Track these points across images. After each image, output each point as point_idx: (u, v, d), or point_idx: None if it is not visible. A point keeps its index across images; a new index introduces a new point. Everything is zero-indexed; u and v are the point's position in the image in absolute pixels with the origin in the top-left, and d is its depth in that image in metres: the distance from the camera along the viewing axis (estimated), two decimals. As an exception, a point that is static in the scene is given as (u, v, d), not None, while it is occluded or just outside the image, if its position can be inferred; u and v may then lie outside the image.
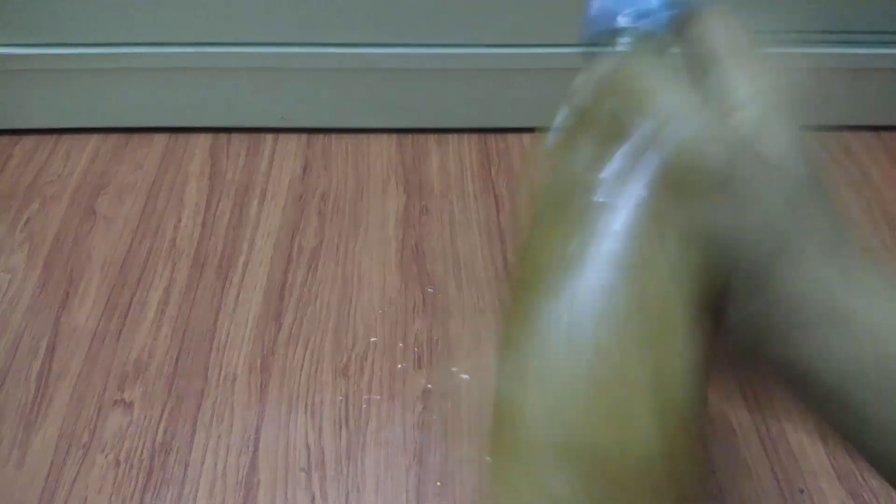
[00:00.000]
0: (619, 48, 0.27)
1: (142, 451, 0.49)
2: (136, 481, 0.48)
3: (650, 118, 0.24)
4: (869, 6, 0.71)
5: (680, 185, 0.24)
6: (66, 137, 0.74)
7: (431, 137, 0.75)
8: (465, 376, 0.54)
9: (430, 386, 0.53)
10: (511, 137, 0.75)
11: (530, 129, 0.73)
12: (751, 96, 0.24)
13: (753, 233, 0.23)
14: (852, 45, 0.72)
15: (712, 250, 0.24)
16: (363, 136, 0.75)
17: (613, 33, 0.27)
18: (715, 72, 0.25)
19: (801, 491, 0.48)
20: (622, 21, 0.26)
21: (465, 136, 0.75)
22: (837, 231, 0.23)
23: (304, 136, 0.75)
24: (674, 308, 0.25)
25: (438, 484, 0.48)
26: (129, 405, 0.52)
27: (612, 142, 0.25)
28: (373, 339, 0.56)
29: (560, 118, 0.28)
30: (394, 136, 0.75)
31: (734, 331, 0.24)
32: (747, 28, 0.26)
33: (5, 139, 0.73)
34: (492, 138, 0.75)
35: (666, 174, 0.24)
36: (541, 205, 0.27)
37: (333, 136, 0.75)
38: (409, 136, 0.75)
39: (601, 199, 0.25)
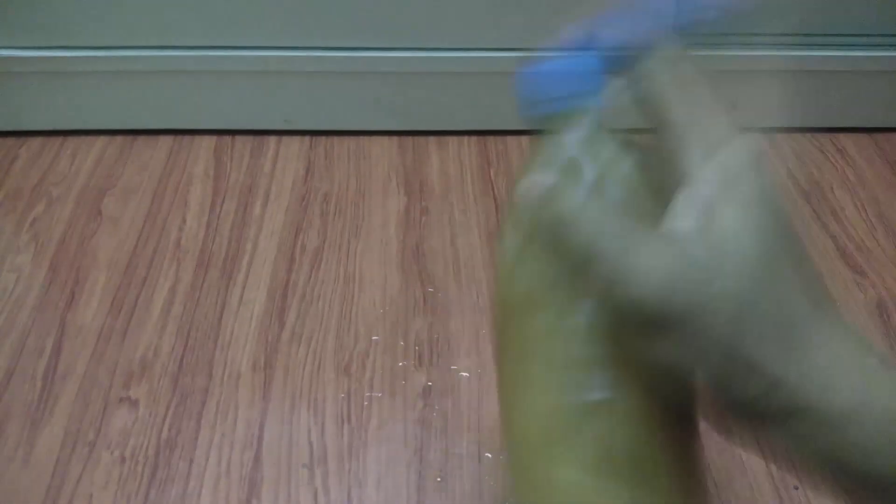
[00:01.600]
0: (563, 131, 0.25)
1: (147, 448, 0.50)
2: (141, 478, 0.48)
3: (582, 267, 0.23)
4: (862, 9, 0.71)
5: (622, 326, 0.23)
6: (72, 139, 0.74)
7: (432, 139, 0.76)
8: (464, 374, 0.55)
9: (430, 383, 0.54)
10: (510, 140, 0.75)
11: (529, 132, 0.73)
12: (701, 181, 0.22)
13: (706, 362, 0.22)
14: (846, 47, 0.73)
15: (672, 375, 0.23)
16: (365, 138, 0.76)
17: (551, 117, 0.25)
18: (664, 138, 0.23)
19: (796, 488, 0.48)
20: (555, 105, 0.25)
21: (465, 138, 0.76)
22: (806, 312, 0.22)
23: (306, 139, 0.75)
24: (643, 443, 0.25)
25: (439, 480, 0.48)
26: (134, 403, 0.52)
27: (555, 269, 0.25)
28: (374, 338, 0.57)
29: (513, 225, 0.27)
30: (395, 138, 0.76)
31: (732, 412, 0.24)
32: (698, 72, 0.24)
33: (11, 140, 0.74)
34: (491, 140, 0.76)
35: (608, 316, 0.24)
36: (500, 317, 0.27)
37: (336, 139, 0.76)
38: (410, 138, 0.76)
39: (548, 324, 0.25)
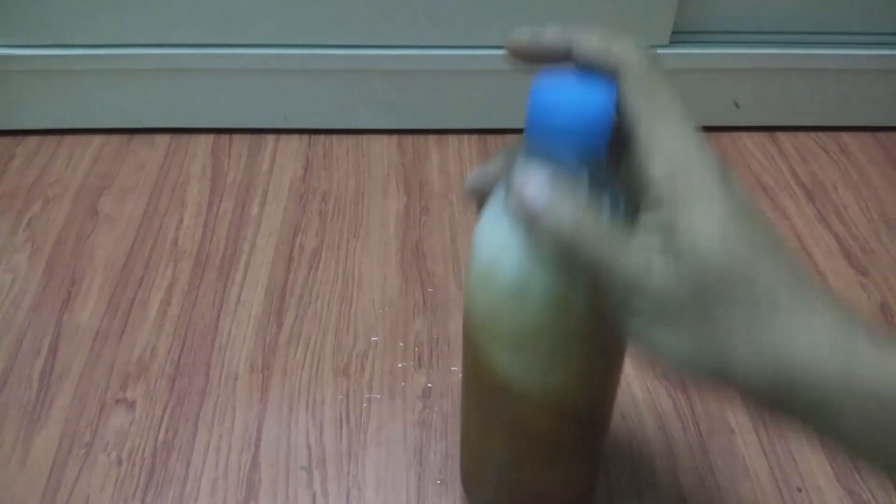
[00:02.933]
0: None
1: (144, 450, 0.49)
2: (139, 480, 0.48)
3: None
4: (865, 7, 0.71)
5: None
6: (69, 138, 0.74)
7: (431, 138, 0.75)
8: (465, 375, 0.54)
9: (430, 385, 0.53)
10: (511, 138, 0.75)
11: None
12: (664, 179, 0.23)
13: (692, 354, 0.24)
14: (849, 46, 0.72)
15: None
16: (364, 137, 0.75)
17: (560, 148, 0.26)
18: (633, 148, 0.25)
19: (799, 490, 0.48)
20: (569, 140, 0.25)
21: (465, 136, 0.76)
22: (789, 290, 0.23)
23: (305, 137, 0.75)
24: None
25: (438, 482, 0.48)
26: (131, 404, 0.52)
27: None
28: (373, 339, 0.56)
29: None
30: (394, 137, 0.75)
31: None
32: (664, 81, 0.25)
33: (7, 140, 0.74)
34: (491, 139, 0.76)
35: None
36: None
37: (334, 137, 0.75)
38: (410, 136, 0.75)
39: None
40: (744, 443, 0.50)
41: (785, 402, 0.23)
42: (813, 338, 0.22)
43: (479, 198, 0.31)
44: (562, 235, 0.24)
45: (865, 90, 0.75)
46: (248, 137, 0.75)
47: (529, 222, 0.25)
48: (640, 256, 0.24)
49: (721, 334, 0.23)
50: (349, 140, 0.75)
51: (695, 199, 0.23)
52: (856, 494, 0.48)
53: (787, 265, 0.24)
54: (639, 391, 0.53)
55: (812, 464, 0.49)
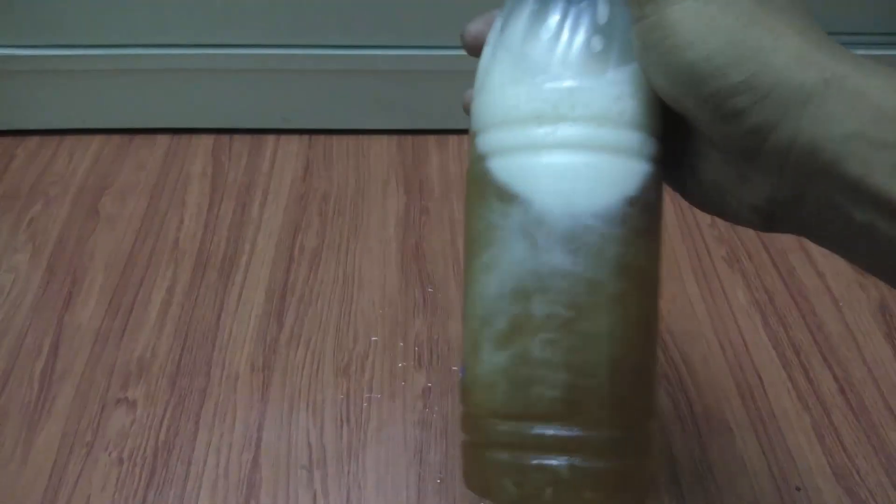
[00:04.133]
0: None
1: (145, 450, 0.49)
2: (140, 479, 0.48)
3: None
4: (865, 7, 0.71)
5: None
6: (69, 138, 0.74)
7: (431, 138, 0.75)
8: (465, 375, 0.54)
9: (430, 384, 0.54)
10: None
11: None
12: None
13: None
14: (848, 46, 0.72)
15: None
16: (364, 137, 0.75)
17: None
18: None
19: (798, 489, 0.48)
20: None
21: (465, 137, 0.76)
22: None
23: (305, 138, 0.75)
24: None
25: (438, 481, 0.48)
26: (132, 404, 0.52)
27: None
28: (374, 339, 0.57)
29: None
30: (394, 138, 0.75)
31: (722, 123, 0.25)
32: None
33: (8, 140, 0.74)
34: (492, 139, 0.76)
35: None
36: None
37: (335, 138, 0.75)
38: (410, 137, 0.75)
39: None
40: (743, 442, 0.50)
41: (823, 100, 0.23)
42: (861, 61, 0.24)
43: (478, 46, 0.32)
44: None
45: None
46: (248, 138, 0.75)
47: None
48: None
49: (772, 24, 0.23)
50: (349, 140, 0.75)
51: None
52: (855, 494, 0.48)
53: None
54: (638, 391, 0.53)
55: (811, 463, 0.49)
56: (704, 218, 0.67)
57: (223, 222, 0.66)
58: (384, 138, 0.75)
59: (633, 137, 0.27)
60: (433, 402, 0.52)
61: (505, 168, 0.28)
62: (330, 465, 0.49)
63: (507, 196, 0.28)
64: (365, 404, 0.52)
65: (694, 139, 0.28)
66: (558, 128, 0.27)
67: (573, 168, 0.27)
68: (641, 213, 0.28)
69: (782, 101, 0.23)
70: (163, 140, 0.74)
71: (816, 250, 0.65)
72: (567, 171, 0.27)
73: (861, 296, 0.61)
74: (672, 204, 0.69)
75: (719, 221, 0.67)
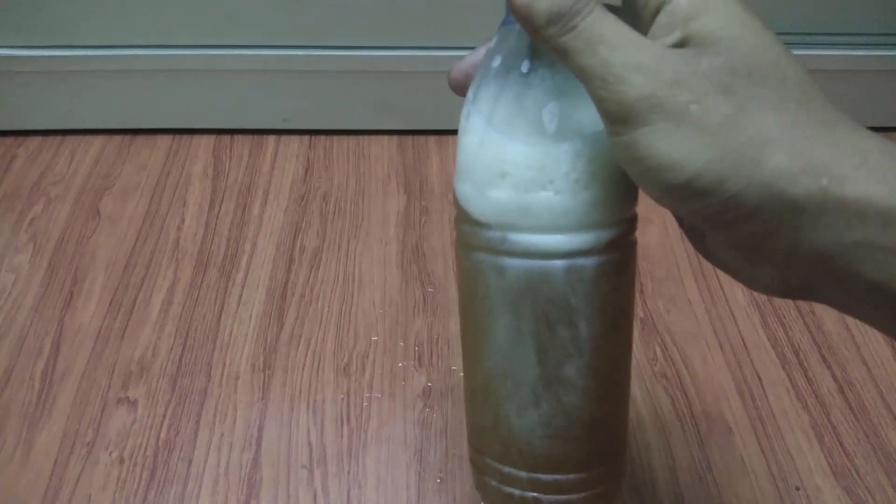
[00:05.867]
0: None
1: (145, 449, 0.50)
2: (140, 479, 0.48)
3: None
4: (865, 7, 0.71)
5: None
6: (71, 138, 0.74)
7: (432, 139, 0.75)
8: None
9: (430, 384, 0.54)
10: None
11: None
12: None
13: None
14: (849, 46, 0.73)
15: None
16: (364, 138, 0.75)
17: None
18: None
19: (797, 488, 0.48)
20: None
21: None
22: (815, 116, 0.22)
23: (305, 138, 0.75)
24: None
25: (439, 481, 0.48)
26: (133, 403, 0.52)
27: None
28: (374, 338, 0.57)
29: None
30: (395, 138, 0.75)
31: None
32: None
33: (10, 140, 0.74)
34: (492, 140, 0.76)
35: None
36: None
37: (335, 138, 0.75)
38: (410, 137, 0.76)
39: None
40: (742, 442, 0.51)
41: (828, 209, 0.20)
42: (866, 154, 0.21)
43: (463, 87, 0.31)
44: (560, 8, 0.22)
45: (865, 90, 0.75)
46: (249, 138, 0.75)
47: (525, 9, 0.23)
48: (652, 49, 0.21)
49: (752, 133, 0.21)
50: (349, 140, 0.75)
51: (710, 5, 0.22)
52: (854, 493, 0.48)
53: (806, 71, 0.22)
54: (638, 392, 0.53)
55: (810, 462, 0.49)
56: (704, 218, 0.67)
57: (224, 222, 0.66)
58: (384, 138, 0.75)
59: (592, 236, 0.27)
60: (433, 401, 0.53)
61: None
62: (330, 464, 0.49)
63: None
64: (365, 404, 0.52)
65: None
66: (508, 235, 0.27)
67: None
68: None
69: (775, 215, 0.21)
70: (164, 140, 0.74)
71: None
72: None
73: (860, 296, 0.61)
74: (672, 204, 0.69)
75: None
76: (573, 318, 0.28)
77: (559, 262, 0.27)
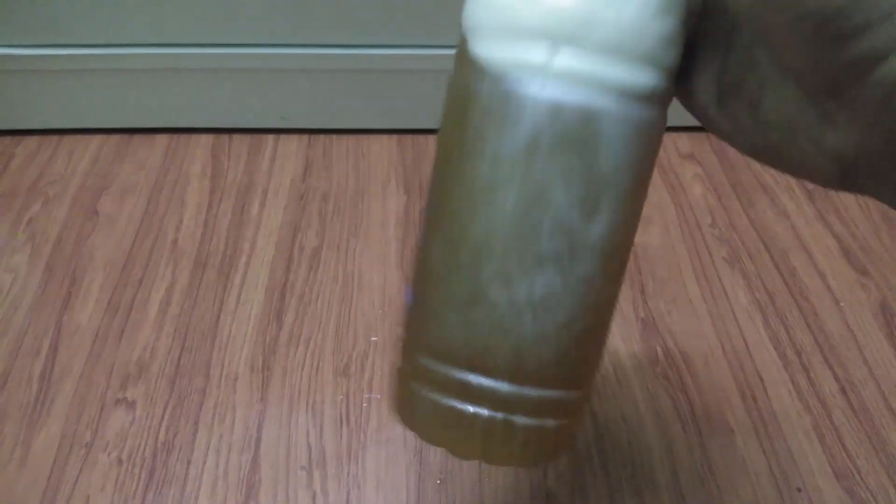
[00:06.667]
0: None
1: (144, 450, 0.49)
2: (139, 480, 0.48)
3: None
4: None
5: None
6: (69, 138, 0.74)
7: (432, 138, 0.75)
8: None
9: (430, 385, 0.53)
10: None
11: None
12: None
13: None
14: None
15: None
16: (364, 137, 0.75)
17: None
18: None
19: (799, 490, 0.48)
20: None
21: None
22: None
23: (304, 137, 0.75)
24: None
25: (438, 482, 0.48)
26: (131, 404, 0.52)
27: None
28: (373, 339, 0.56)
29: None
30: (394, 137, 0.75)
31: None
32: None
33: (7, 139, 0.74)
34: (492, 139, 0.75)
35: None
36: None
37: (334, 137, 0.75)
38: (410, 136, 0.75)
39: None
40: (743, 443, 0.50)
41: None
42: None
43: None
44: None
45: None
46: (247, 137, 0.75)
47: None
48: None
49: None
50: (349, 140, 0.75)
51: None
52: (856, 494, 0.48)
53: None
54: (638, 392, 0.53)
55: (812, 463, 0.49)
56: (705, 218, 0.67)
57: (222, 222, 0.66)
58: (384, 138, 0.75)
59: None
60: (433, 402, 0.52)
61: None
62: (329, 465, 0.49)
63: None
64: (365, 404, 0.52)
65: (758, 66, 0.22)
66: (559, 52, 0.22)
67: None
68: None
69: None
70: (162, 140, 0.74)
71: (818, 251, 0.65)
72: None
73: (862, 296, 0.61)
74: (672, 204, 0.69)
75: (720, 221, 0.67)
76: (613, 174, 0.23)
77: (616, 98, 0.22)
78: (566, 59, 0.21)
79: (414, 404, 0.27)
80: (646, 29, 0.22)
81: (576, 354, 0.25)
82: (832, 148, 0.21)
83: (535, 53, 0.22)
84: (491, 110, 0.23)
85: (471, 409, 0.25)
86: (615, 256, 0.25)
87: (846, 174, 0.21)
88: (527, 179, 0.23)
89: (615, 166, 0.23)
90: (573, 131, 0.22)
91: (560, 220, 0.23)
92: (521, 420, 0.25)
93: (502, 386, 0.24)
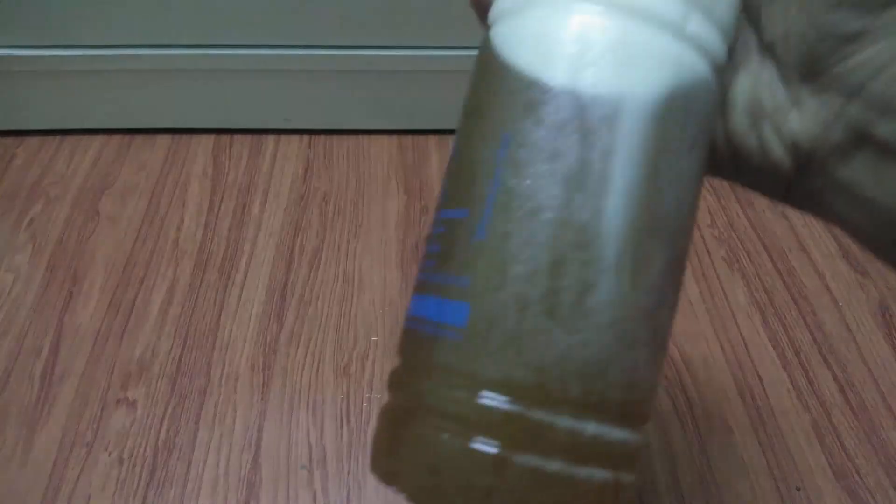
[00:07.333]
0: None
1: (145, 450, 0.49)
2: (140, 479, 0.48)
3: None
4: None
5: None
6: (70, 138, 0.74)
7: (432, 139, 0.75)
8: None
9: (430, 385, 0.54)
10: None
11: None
12: None
13: None
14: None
15: None
16: (364, 138, 0.75)
17: None
18: None
19: (798, 489, 0.48)
20: None
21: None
22: None
23: (305, 138, 0.75)
24: None
25: (439, 481, 0.48)
26: (132, 404, 0.52)
27: None
28: (374, 339, 0.57)
29: None
30: (394, 138, 0.75)
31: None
32: None
33: (9, 140, 0.74)
34: (492, 139, 0.76)
35: None
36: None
37: (335, 138, 0.75)
38: (410, 137, 0.75)
39: None
40: (742, 442, 0.50)
41: None
42: None
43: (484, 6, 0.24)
44: None
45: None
46: (248, 138, 0.75)
47: None
48: None
49: None
50: (349, 140, 0.75)
51: None
52: (855, 494, 0.48)
53: None
54: (638, 391, 0.53)
55: (811, 463, 0.49)
56: (704, 218, 0.67)
57: (223, 222, 0.66)
58: (384, 138, 0.75)
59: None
60: (433, 402, 0.52)
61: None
62: (330, 464, 0.49)
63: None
64: (365, 404, 0.52)
65: (737, 43, 0.22)
66: None
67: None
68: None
69: None
70: (163, 140, 0.74)
71: (816, 250, 0.65)
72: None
73: (861, 296, 0.61)
74: (672, 204, 0.69)
75: (719, 221, 0.67)
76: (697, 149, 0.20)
77: (712, 70, 0.21)
78: (695, 26, 0.20)
79: (438, 458, 0.19)
80: (734, 5, 0.21)
81: (655, 378, 0.20)
82: (790, 136, 0.20)
83: (673, 13, 0.20)
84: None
85: (582, 472, 0.18)
86: (689, 248, 0.22)
87: (798, 173, 0.21)
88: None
89: (703, 142, 0.21)
90: (691, 97, 0.20)
91: (680, 199, 0.20)
92: (626, 478, 0.19)
93: (588, 427, 0.18)
